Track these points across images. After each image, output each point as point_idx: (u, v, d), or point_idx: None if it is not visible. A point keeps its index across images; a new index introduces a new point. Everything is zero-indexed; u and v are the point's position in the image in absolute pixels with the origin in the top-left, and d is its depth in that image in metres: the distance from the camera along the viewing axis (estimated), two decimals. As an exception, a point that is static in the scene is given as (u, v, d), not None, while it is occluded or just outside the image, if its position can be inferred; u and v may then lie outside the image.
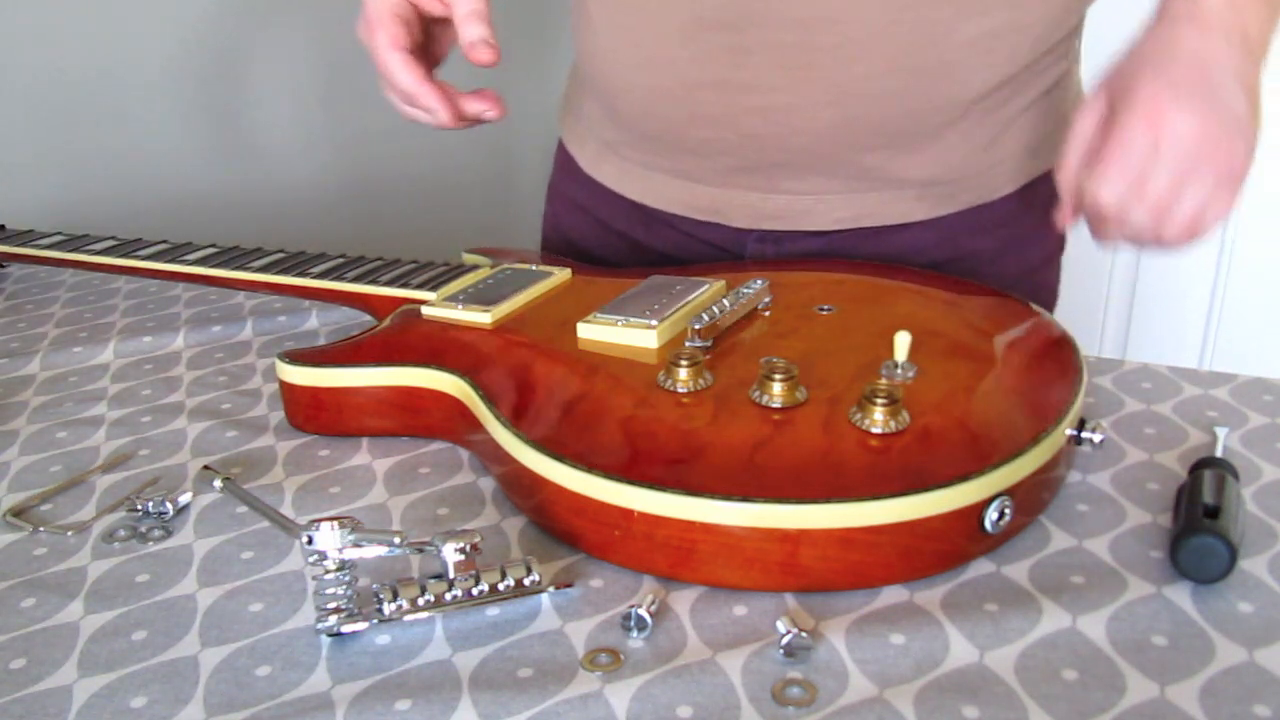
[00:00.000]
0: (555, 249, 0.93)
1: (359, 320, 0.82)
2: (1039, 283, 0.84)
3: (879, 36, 0.67)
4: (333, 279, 0.75)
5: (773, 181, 0.76)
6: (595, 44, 0.78)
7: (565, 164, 0.92)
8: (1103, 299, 1.79)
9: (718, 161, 0.77)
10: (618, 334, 0.61)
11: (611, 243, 0.87)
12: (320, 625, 0.46)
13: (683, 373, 0.55)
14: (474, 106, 0.70)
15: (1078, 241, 0.75)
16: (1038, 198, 0.78)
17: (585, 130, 0.88)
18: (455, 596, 0.47)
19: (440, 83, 0.69)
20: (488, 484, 0.59)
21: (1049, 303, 0.85)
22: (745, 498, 0.46)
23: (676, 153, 0.78)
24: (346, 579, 0.47)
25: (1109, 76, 0.62)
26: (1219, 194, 0.58)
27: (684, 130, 0.76)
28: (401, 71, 0.68)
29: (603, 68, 0.78)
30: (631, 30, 0.74)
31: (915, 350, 0.55)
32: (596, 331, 0.62)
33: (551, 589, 0.49)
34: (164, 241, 0.86)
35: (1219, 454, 0.56)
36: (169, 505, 0.57)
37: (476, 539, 0.47)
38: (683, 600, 0.48)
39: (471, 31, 0.67)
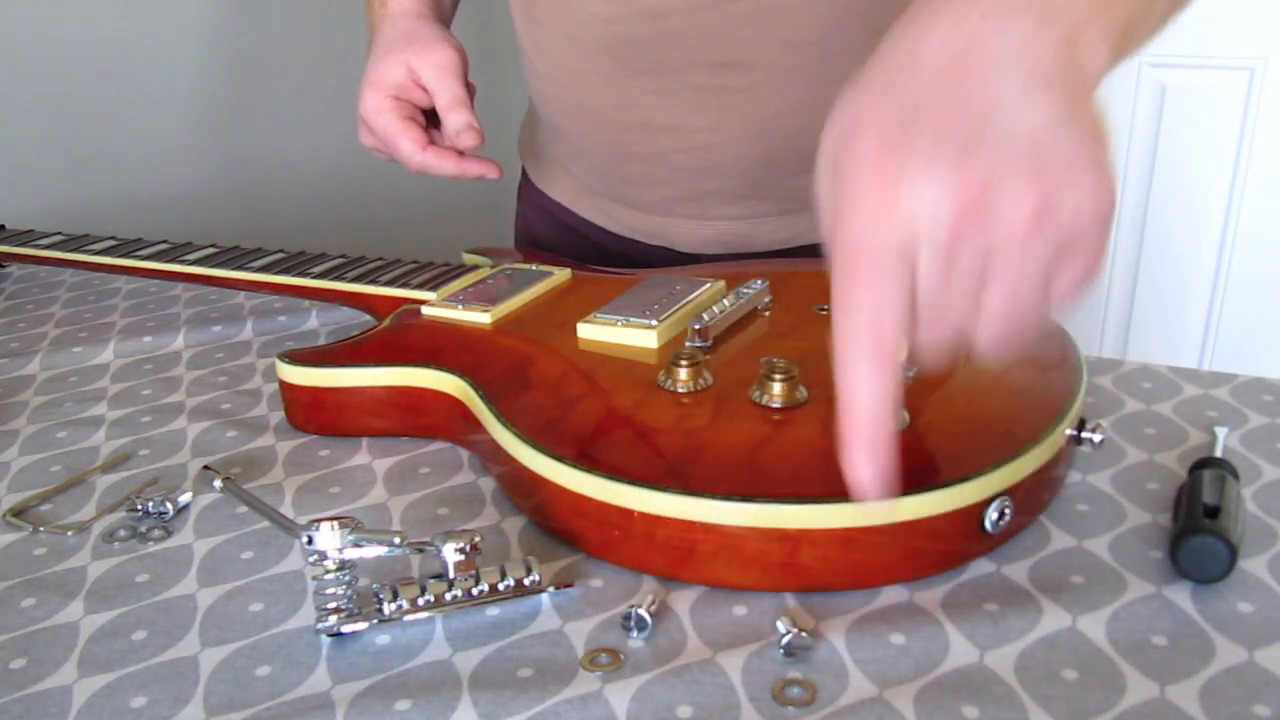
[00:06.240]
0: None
1: (359, 320, 0.82)
2: None
3: (787, 75, 0.69)
4: (333, 279, 0.75)
5: (707, 209, 0.79)
6: (535, 88, 0.82)
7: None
8: (1103, 299, 1.79)
9: (654, 192, 0.79)
10: (618, 334, 0.61)
11: (578, 247, 0.88)
12: (320, 625, 0.46)
13: (683, 373, 0.55)
14: (474, 169, 0.75)
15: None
16: None
17: (539, 148, 0.91)
18: (455, 596, 0.47)
19: (442, 148, 0.75)
20: (488, 484, 0.59)
21: None
22: (745, 498, 0.46)
23: (617, 183, 0.81)
24: (346, 579, 0.47)
25: (833, 120, 0.40)
26: (1031, 270, 0.36)
27: (619, 166, 0.79)
28: (404, 140, 0.75)
29: (545, 107, 0.82)
30: (561, 77, 0.77)
31: (915, 350, 0.55)
32: (596, 331, 0.62)
33: (551, 589, 0.49)
34: (164, 241, 0.87)
35: (1219, 454, 0.56)
36: (169, 505, 0.57)
37: (476, 539, 0.47)
38: (683, 600, 0.48)
39: (456, 120, 0.73)
